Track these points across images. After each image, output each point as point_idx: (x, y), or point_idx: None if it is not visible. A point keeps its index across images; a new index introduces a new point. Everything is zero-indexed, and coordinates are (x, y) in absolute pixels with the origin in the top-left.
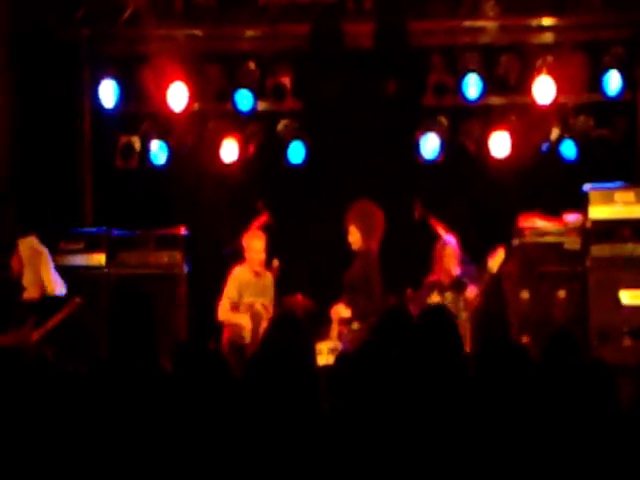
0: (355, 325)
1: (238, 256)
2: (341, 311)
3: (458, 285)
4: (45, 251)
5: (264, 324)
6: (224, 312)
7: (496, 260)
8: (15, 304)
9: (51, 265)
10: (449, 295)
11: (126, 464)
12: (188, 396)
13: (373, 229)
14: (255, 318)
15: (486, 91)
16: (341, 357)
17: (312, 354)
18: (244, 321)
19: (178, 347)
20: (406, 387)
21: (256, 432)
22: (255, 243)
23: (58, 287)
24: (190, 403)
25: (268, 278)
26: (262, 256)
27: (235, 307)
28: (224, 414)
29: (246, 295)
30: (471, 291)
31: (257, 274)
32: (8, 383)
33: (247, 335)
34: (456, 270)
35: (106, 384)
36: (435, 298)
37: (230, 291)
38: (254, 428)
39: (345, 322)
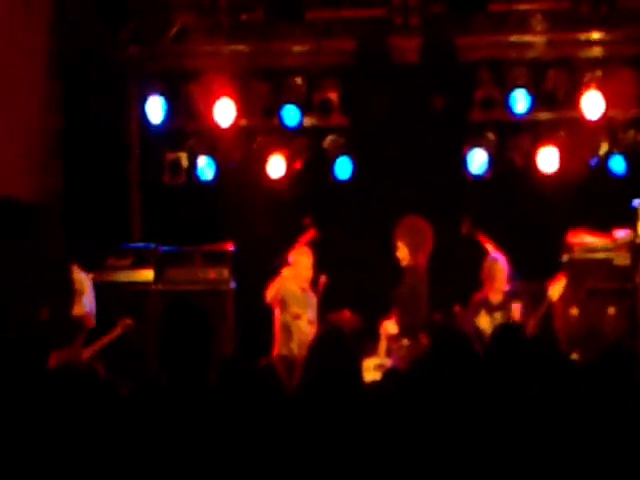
0: (405, 341)
1: None
2: (390, 327)
3: (506, 303)
4: (86, 281)
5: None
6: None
7: (557, 288)
8: (66, 321)
9: (89, 296)
10: (498, 315)
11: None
12: (234, 413)
13: (421, 245)
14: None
15: (534, 106)
16: (390, 373)
17: (358, 370)
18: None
19: (223, 364)
20: (461, 407)
21: (303, 449)
22: (303, 259)
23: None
24: (236, 420)
25: (313, 296)
26: (310, 273)
27: (283, 322)
28: (272, 431)
29: (293, 305)
30: (516, 309)
31: (303, 289)
32: (61, 399)
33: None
34: (505, 288)
35: (156, 402)
36: (484, 317)
37: (271, 293)
38: (301, 445)
39: (394, 338)
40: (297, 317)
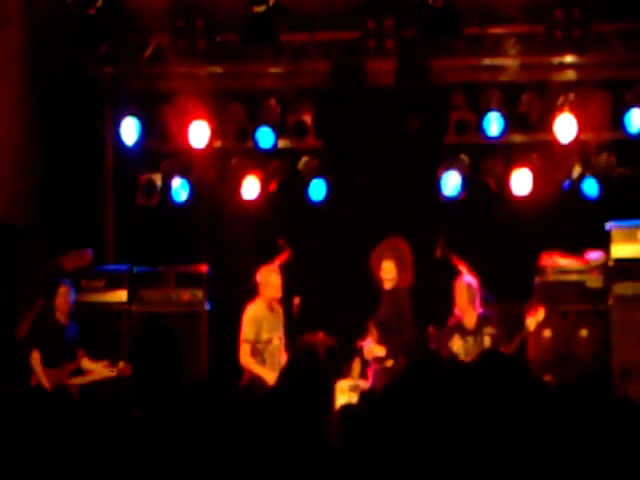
0: (389, 362)
1: (255, 294)
2: (375, 350)
3: (480, 327)
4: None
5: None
6: (245, 357)
7: (535, 319)
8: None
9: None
10: (470, 339)
11: None
12: (207, 436)
13: (406, 265)
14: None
15: (507, 129)
16: (367, 395)
17: (329, 394)
18: (268, 376)
19: (198, 386)
20: (434, 429)
21: (279, 472)
22: (273, 278)
23: None
24: (209, 442)
25: (280, 312)
26: (279, 292)
27: (255, 349)
28: (246, 455)
29: (263, 331)
30: (489, 334)
31: (272, 309)
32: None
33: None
34: (476, 310)
35: (128, 419)
36: (457, 341)
37: (247, 334)
38: (261, 465)
39: (378, 360)
40: (269, 342)
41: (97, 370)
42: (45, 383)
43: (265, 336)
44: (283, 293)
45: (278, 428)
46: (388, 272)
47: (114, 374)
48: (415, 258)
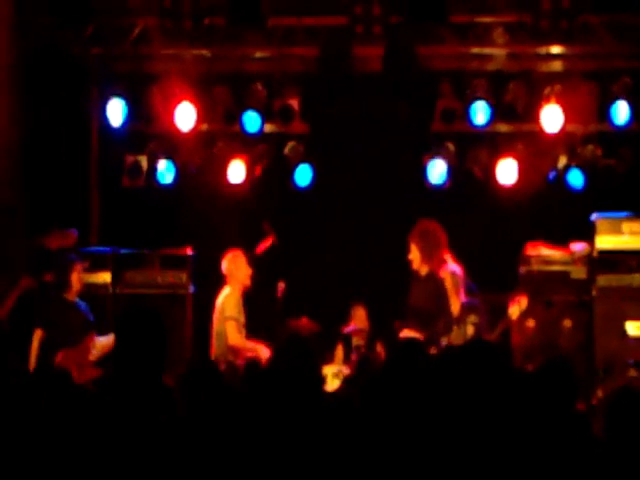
0: (432, 349)
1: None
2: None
3: (463, 316)
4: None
5: None
6: (235, 335)
7: (518, 308)
8: None
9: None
10: (454, 328)
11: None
12: (194, 415)
13: (435, 250)
14: None
15: (494, 118)
16: (350, 381)
17: (319, 377)
18: (262, 352)
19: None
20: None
21: (266, 452)
22: (240, 261)
23: None
24: (196, 422)
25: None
26: (249, 273)
27: (240, 328)
28: (226, 432)
29: (242, 315)
30: (473, 323)
31: (244, 293)
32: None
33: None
34: (460, 298)
35: (111, 401)
36: None
37: (234, 312)
38: (263, 448)
39: None
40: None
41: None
42: (33, 364)
43: (241, 319)
44: (268, 278)
45: (269, 410)
46: (412, 254)
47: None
48: (398, 246)
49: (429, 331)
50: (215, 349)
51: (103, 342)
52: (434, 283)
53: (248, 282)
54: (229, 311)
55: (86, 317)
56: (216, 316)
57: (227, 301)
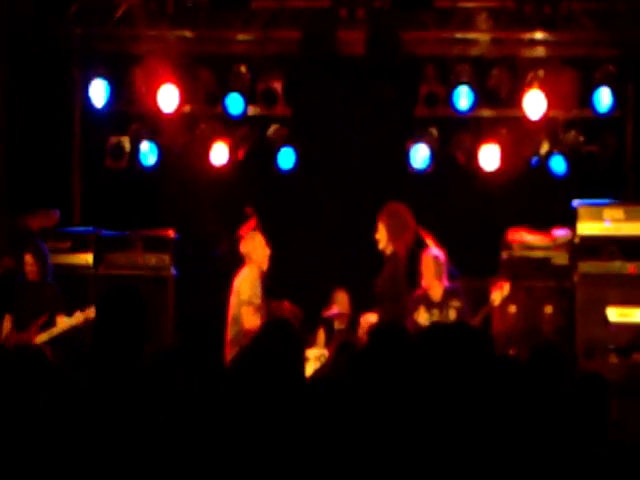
0: None
1: (231, 259)
2: (371, 318)
3: (445, 300)
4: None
5: None
6: (252, 318)
7: (501, 294)
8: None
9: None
10: (436, 312)
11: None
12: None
13: (401, 232)
14: None
15: (477, 103)
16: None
17: (301, 360)
18: None
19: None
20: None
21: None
22: (258, 242)
23: None
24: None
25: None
26: (268, 253)
27: (257, 311)
28: (210, 415)
29: (256, 297)
30: (454, 307)
31: (262, 273)
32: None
33: None
34: (443, 284)
35: (89, 381)
36: (422, 313)
37: (252, 296)
38: (243, 432)
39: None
40: (259, 308)
41: (60, 321)
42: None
43: (257, 301)
44: None
45: (252, 394)
46: (379, 234)
47: (80, 320)
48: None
49: (383, 314)
50: (230, 334)
51: (66, 322)
52: (393, 264)
53: (266, 263)
54: (244, 294)
55: (41, 301)
56: (232, 300)
57: (243, 284)
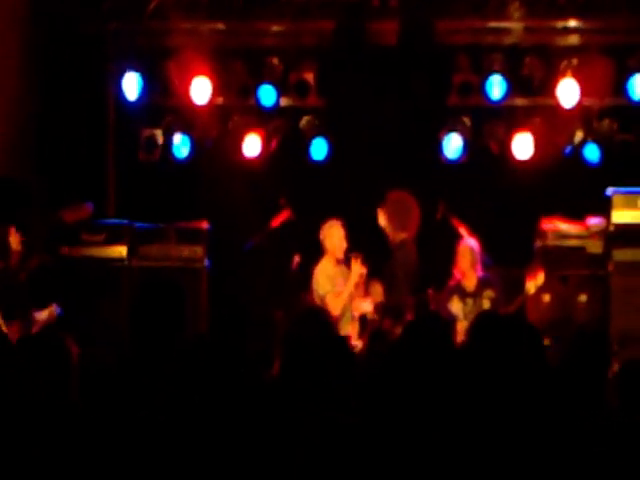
0: (387, 323)
1: (260, 251)
2: (363, 306)
3: (479, 290)
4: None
5: None
6: (338, 307)
7: (535, 283)
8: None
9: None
10: (470, 301)
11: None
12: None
13: (405, 221)
14: None
15: (510, 92)
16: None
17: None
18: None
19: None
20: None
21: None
22: (334, 232)
23: None
24: (209, 398)
25: (344, 266)
26: (345, 243)
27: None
28: (249, 413)
29: (319, 288)
30: (489, 297)
31: (338, 263)
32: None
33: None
34: (477, 273)
35: (130, 377)
36: (456, 303)
37: (329, 286)
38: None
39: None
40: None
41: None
42: None
43: (336, 289)
44: (284, 251)
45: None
46: (381, 220)
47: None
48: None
49: (392, 301)
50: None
51: (38, 317)
52: (401, 252)
53: (340, 254)
54: (322, 288)
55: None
56: (314, 292)
57: (319, 277)
